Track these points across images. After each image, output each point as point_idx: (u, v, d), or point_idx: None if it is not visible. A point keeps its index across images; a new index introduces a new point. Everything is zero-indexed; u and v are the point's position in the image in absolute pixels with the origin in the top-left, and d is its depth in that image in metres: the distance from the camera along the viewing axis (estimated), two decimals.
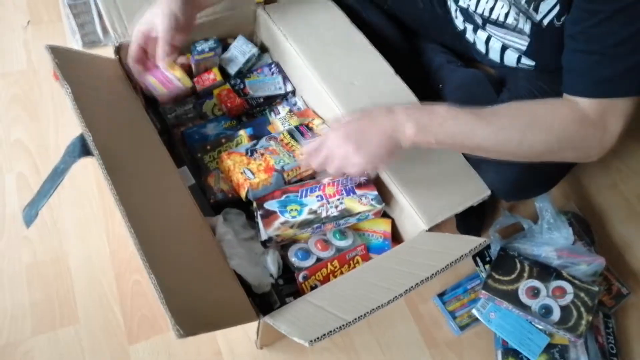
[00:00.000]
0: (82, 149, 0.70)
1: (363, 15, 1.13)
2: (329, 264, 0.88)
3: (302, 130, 0.98)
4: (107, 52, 0.98)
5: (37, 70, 1.27)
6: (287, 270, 0.88)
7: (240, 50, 1.08)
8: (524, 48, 0.94)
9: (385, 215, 0.96)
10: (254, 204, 0.88)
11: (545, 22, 0.84)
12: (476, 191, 0.89)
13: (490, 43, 0.99)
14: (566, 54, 0.75)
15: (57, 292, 0.99)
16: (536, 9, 0.84)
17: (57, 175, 0.70)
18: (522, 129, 0.73)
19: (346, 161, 0.77)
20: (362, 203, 0.89)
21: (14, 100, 1.22)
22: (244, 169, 0.89)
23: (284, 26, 1.05)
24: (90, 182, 1.11)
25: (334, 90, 0.97)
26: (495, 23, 0.93)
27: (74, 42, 1.28)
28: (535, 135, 0.73)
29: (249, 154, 0.92)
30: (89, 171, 1.12)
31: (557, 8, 0.81)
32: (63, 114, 1.21)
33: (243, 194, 0.88)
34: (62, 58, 0.79)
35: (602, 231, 1.17)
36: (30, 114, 1.20)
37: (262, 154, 0.92)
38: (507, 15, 0.90)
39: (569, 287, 0.97)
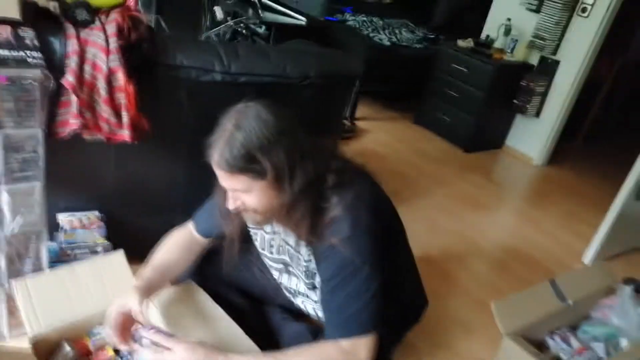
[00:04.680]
0: None
1: (222, 293, 1.57)
2: None
3: None
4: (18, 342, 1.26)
5: None
6: None
7: None
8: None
9: None
10: None
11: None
12: None
13: (306, 306, 1.46)
14: (323, 312, 1.24)
15: None
16: (313, 287, 1.36)
17: None
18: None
19: None
20: None
21: None
22: None
23: (164, 307, 1.44)
24: None
25: None
26: (299, 293, 1.42)
27: None
28: None
29: None
30: None
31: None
32: None
33: None
34: None
35: None
36: None
37: None
38: (299, 286, 1.40)
39: None
